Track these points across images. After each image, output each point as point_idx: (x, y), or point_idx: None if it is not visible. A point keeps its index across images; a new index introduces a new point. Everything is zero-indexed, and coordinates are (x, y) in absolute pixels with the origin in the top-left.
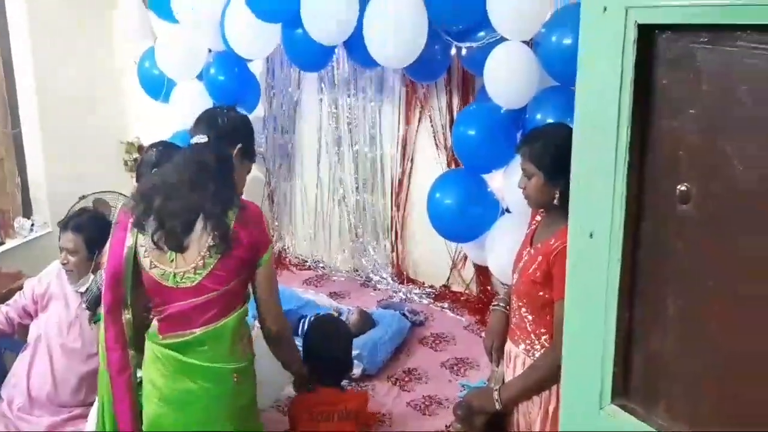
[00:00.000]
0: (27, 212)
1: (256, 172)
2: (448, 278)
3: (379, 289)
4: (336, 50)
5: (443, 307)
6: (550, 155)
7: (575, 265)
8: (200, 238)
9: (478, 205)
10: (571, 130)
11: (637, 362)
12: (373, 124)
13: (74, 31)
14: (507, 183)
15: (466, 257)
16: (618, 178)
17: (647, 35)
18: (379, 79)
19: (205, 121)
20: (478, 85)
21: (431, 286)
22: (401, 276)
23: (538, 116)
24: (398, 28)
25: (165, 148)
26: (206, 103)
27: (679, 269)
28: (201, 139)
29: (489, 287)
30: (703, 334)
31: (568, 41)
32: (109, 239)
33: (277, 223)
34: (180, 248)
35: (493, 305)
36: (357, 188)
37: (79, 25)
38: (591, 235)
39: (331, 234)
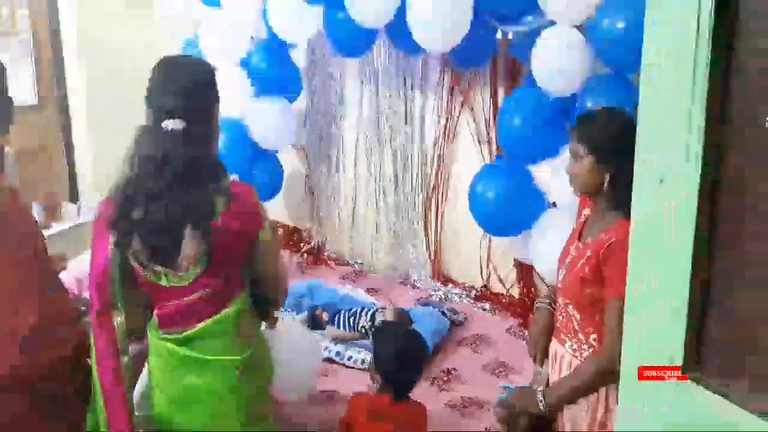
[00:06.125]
0: (74, 197)
1: (298, 165)
2: (488, 279)
3: (417, 288)
4: (378, 38)
5: (484, 309)
6: (604, 137)
7: (642, 219)
8: (188, 247)
9: (523, 196)
10: (627, 116)
11: (716, 328)
12: (413, 117)
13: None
14: (554, 176)
15: (509, 258)
16: (695, 108)
17: None
18: (420, 69)
19: (176, 92)
20: (524, 74)
21: (471, 286)
22: (440, 275)
23: (589, 104)
24: (442, 9)
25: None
26: (248, 91)
27: None
28: (176, 124)
29: (533, 288)
30: None
31: (621, 25)
32: (91, 236)
33: (321, 213)
34: (174, 265)
35: (538, 302)
36: (396, 183)
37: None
38: (661, 181)
39: (368, 230)
